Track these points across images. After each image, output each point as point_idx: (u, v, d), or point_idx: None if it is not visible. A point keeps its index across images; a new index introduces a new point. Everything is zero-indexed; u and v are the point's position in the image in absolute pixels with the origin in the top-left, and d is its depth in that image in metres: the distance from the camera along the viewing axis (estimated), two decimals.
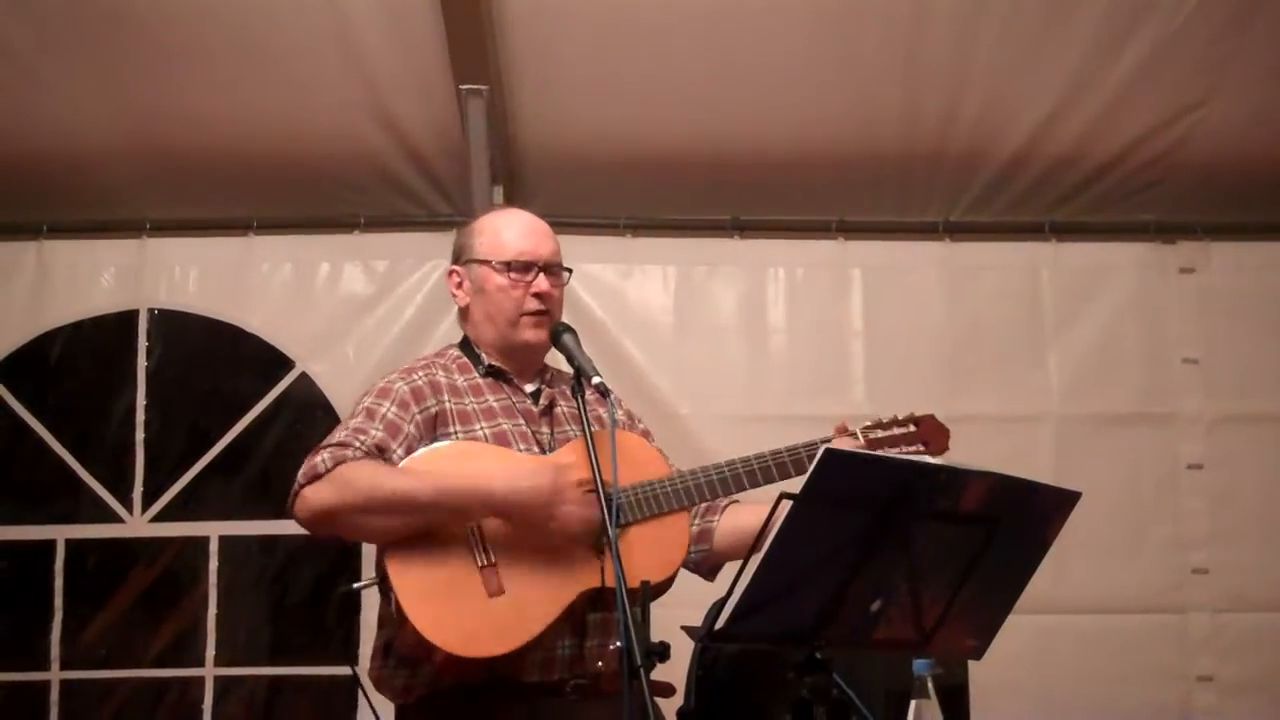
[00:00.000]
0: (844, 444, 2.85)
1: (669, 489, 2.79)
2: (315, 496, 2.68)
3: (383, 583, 2.73)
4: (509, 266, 2.89)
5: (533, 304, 2.89)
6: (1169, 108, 4.59)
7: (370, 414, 2.77)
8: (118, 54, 4.39)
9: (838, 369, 4.82)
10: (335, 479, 2.67)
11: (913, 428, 2.93)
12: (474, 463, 2.75)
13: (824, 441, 2.84)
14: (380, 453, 2.72)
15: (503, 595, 2.65)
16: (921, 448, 2.91)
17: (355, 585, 2.90)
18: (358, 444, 2.70)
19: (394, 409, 2.78)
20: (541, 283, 2.90)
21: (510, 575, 2.67)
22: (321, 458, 2.70)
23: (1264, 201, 4.85)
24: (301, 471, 2.71)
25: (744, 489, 2.84)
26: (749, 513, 2.89)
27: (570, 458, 2.77)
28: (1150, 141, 4.68)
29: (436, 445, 2.78)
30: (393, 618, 2.71)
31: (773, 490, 2.74)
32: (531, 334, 2.89)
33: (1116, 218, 4.92)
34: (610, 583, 2.62)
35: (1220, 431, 4.82)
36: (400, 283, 4.85)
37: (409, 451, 2.75)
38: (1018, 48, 4.43)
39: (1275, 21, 4.36)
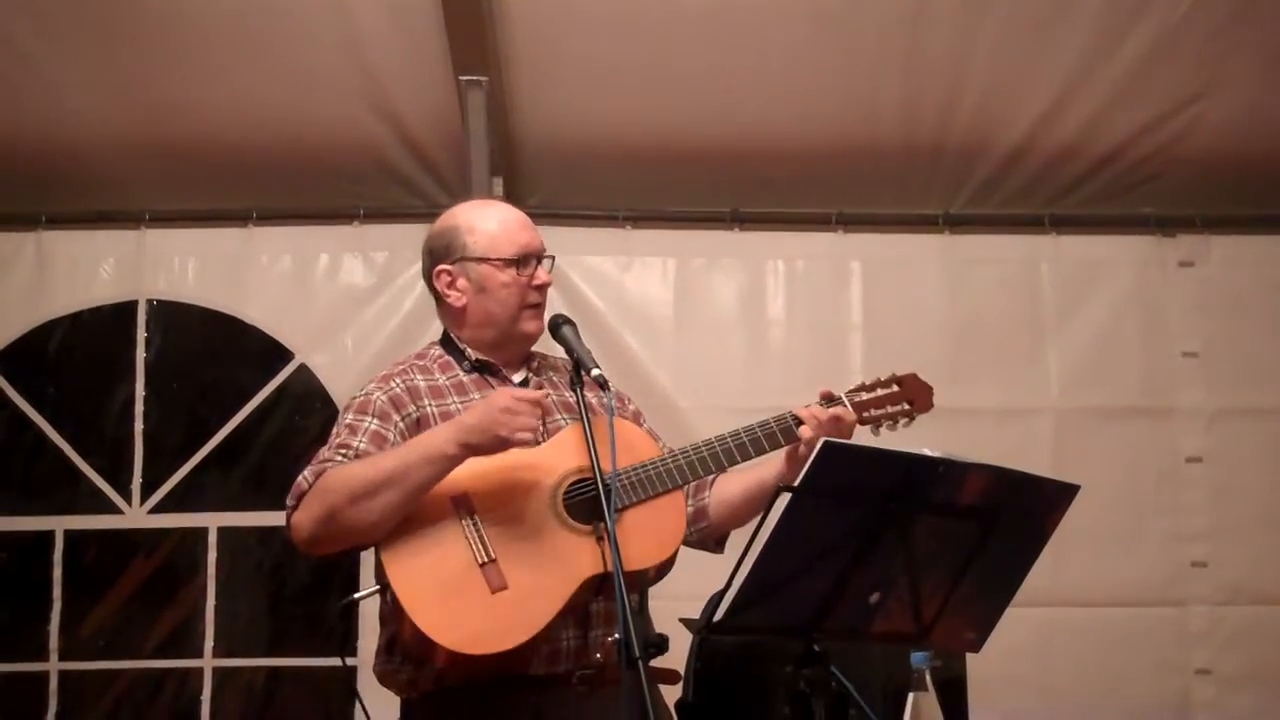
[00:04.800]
0: (833, 413, 2.82)
1: (660, 469, 2.76)
2: (305, 514, 2.67)
3: (379, 583, 2.73)
4: (514, 263, 2.87)
5: (534, 296, 2.88)
6: (1168, 101, 4.59)
7: (353, 430, 2.76)
8: (117, 44, 4.38)
9: (837, 361, 4.82)
10: (317, 490, 2.66)
11: (896, 388, 2.91)
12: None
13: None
14: None
15: (506, 590, 2.64)
16: (907, 406, 2.90)
17: (355, 596, 2.87)
18: (339, 459, 2.70)
19: (376, 422, 2.76)
20: (542, 274, 2.90)
21: (511, 569, 2.65)
22: (304, 476, 2.70)
23: (1263, 195, 4.85)
24: (290, 497, 2.70)
25: (735, 462, 2.82)
26: (736, 482, 2.90)
27: (566, 444, 2.76)
28: (1150, 135, 4.68)
29: None
30: (393, 615, 2.70)
31: (763, 461, 2.81)
32: (533, 325, 2.89)
33: (1116, 211, 4.92)
34: (612, 568, 2.62)
35: (1220, 425, 4.82)
36: (400, 274, 4.85)
37: None
38: (1018, 41, 4.43)
39: (1274, 15, 4.36)
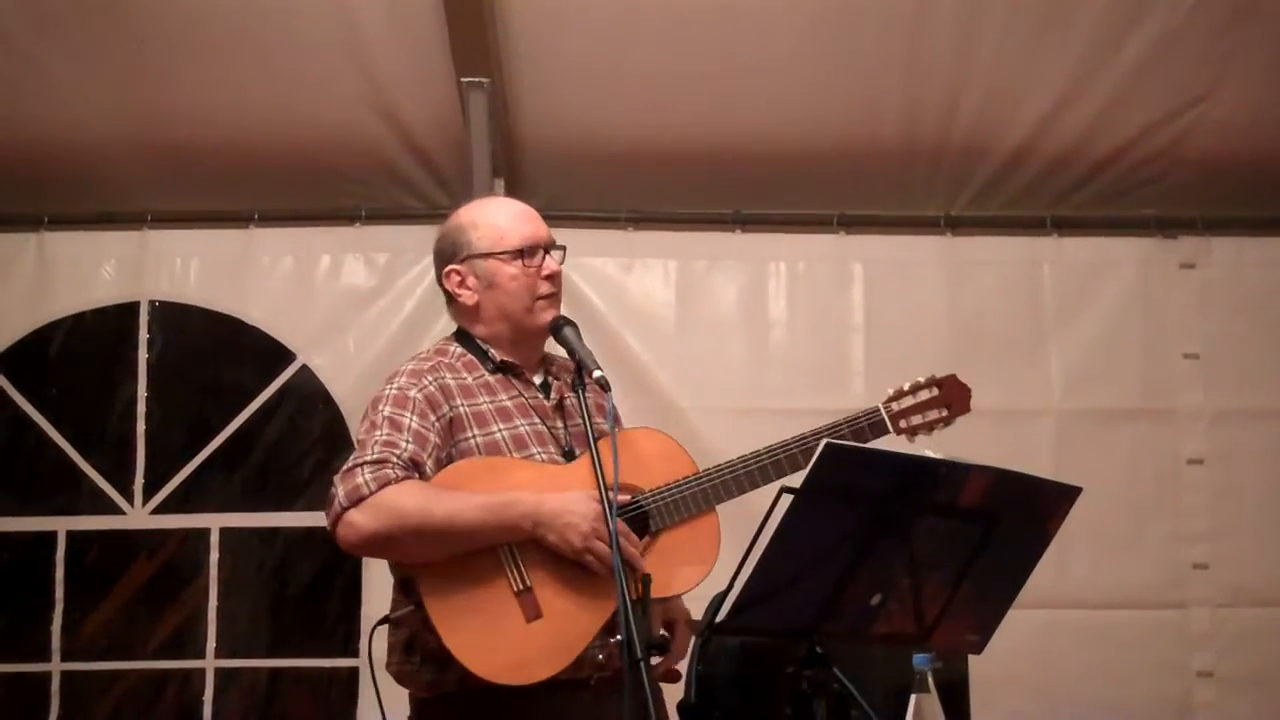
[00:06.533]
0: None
1: (697, 489, 2.75)
2: (364, 523, 2.60)
3: (405, 585, 2.70)
4: (520, 254, 2.85)
5: (545, 287, 2.85)
6: (1171, 102, 4.60)
7: (395, 425, 2.69)
8: (120, 45, 4.39)
9: (838, 363, 4.82)
10: (381, 505, 2.59)
11: (935, 391, 2.89)
12: (508, 478, 2.71)
13: (851, 419, 2.85)
14: (415, 467, 2.66)
15: (540, 619, 2.63)
16: (945, 411, 2.89)
17: (392, 615, 2.80)
18: (395, 460, 2.63)
19: (416, 419, 2.70)
20: (551, 263, 2.87)
21: (547, 598, 2.64)
22: (364, 479, 2.61)
23: (1265, 196, 4.85)
24: (343, 493, 2.61)
25: (784, 474, 2.76)
26: None
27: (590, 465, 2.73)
28: (1152, 136, 4.68)
29: (463, 462, 2.73)
30: (416, 621, 2.66)
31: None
32: (547, 315, 2.85)
33: (1118, 212, 4.92)
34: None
35: (1221, 427, 4.82)
36: (401, 275, 4.84)
37: (437, 462, 2.69)
38: (1019, 42, 4.43)
39: (1276, 16, 4.36)
